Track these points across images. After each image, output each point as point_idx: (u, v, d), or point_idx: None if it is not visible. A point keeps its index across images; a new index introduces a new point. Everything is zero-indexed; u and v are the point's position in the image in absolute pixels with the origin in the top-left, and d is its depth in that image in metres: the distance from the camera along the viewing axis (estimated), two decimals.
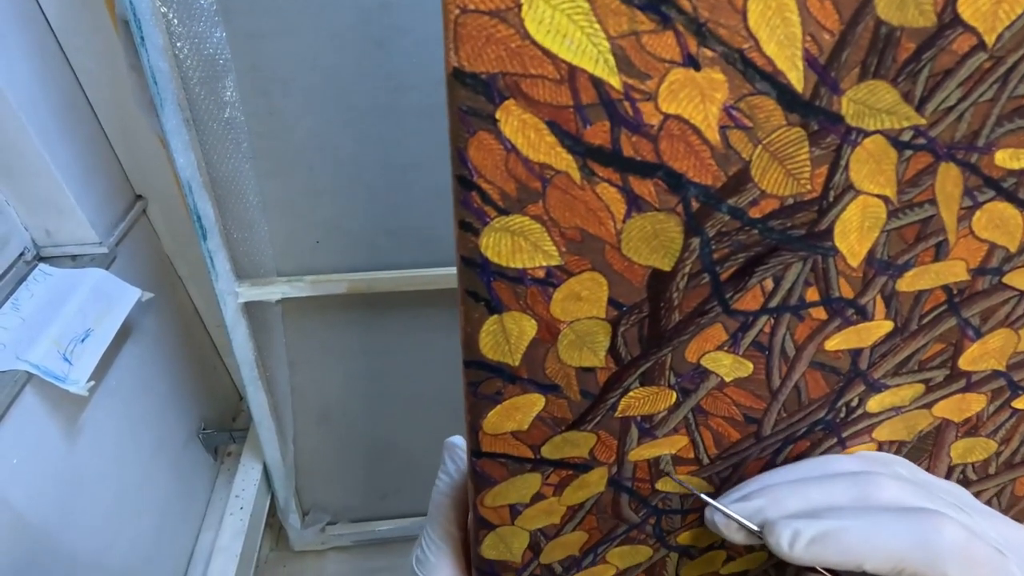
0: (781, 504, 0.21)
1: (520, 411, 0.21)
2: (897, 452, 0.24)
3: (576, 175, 0.17)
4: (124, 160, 0.78)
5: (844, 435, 0.23)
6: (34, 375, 0.61)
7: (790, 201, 0.18)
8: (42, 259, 0.73)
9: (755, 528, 0.21)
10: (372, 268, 0.75)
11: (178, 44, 0.61)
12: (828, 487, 0.21)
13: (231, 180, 0.69)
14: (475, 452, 0.22)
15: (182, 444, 0.88)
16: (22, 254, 0.70)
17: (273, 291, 0.74)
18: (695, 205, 0.18)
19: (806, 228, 0.18)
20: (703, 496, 0.22)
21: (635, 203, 0.17)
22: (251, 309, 0.76)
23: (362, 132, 0.68)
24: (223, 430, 0.93)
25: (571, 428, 0.22)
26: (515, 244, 0.18)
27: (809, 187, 0.18)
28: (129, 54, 0.68)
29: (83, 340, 0.70)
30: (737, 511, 0.21)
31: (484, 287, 0.18)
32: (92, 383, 0.66)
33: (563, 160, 0.16)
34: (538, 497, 0.23)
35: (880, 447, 0.24)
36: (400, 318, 0.80)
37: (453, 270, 0.81)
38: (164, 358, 0.84)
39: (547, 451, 0.22)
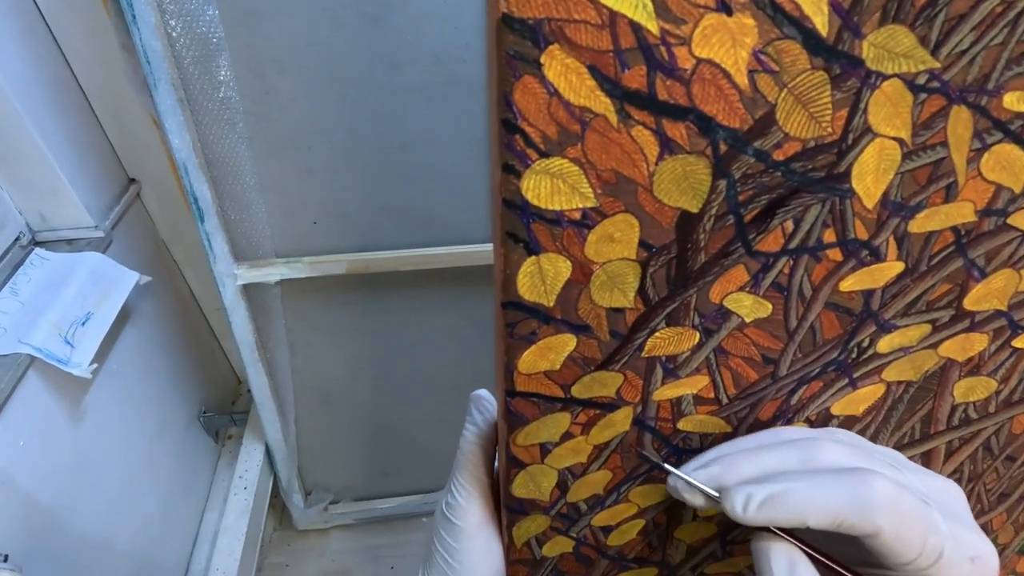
0: (736, 470, 0.23)
1: (553, 351, 0.22)
2: (904, 392, 0.26)
3: (613, 118, 0.18)
4: (116, 144, 0.78)
5: (855, 375, 0.25)
6: (37, 358, 0.61)
7: (811, 144, 0.19)
8: (38, 244, 0.72)
9: (714, 493, 0.22)
10: (370, 248, 0.76)
11: (171, 22, 0.60)
12: (778, 453, 0.23)
13: (227, 161, 0.69)
14: (509, 392, 0.23)
15: (183, 427, 0.88)
16: (17, 239, 0.70)
17: (272, 273, 0.74)
18: (723, 148, 0.19)
19: (825, 170, 0.19)
20: (665, 466, 0.24)
21: (667, 146, 0.18)
22: (250, 291, 0.76)
23: (358, 111, 0.67)
24: (223, 413, 0.93)
25: (600, 368, 0.23)
26: (554, 186, 0.18)
27: (830, 130, 0.19)
28: (120, 34, 0.67)
29: (84, 323, 0.70)
30: (697, 478, 0.23)
31: (524, 229, 0.19)
32: (95, 366, 0.66)
33: (602, 103, 0.17)
34: (567, 436, 0.24)
35: (888, 388, 0.25)
36: (399, 298, 0.81)
37: (451, 249, 0.81)
38: (163, 342, 0.84)
39: (577, 390, 0.23)
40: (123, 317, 0.76)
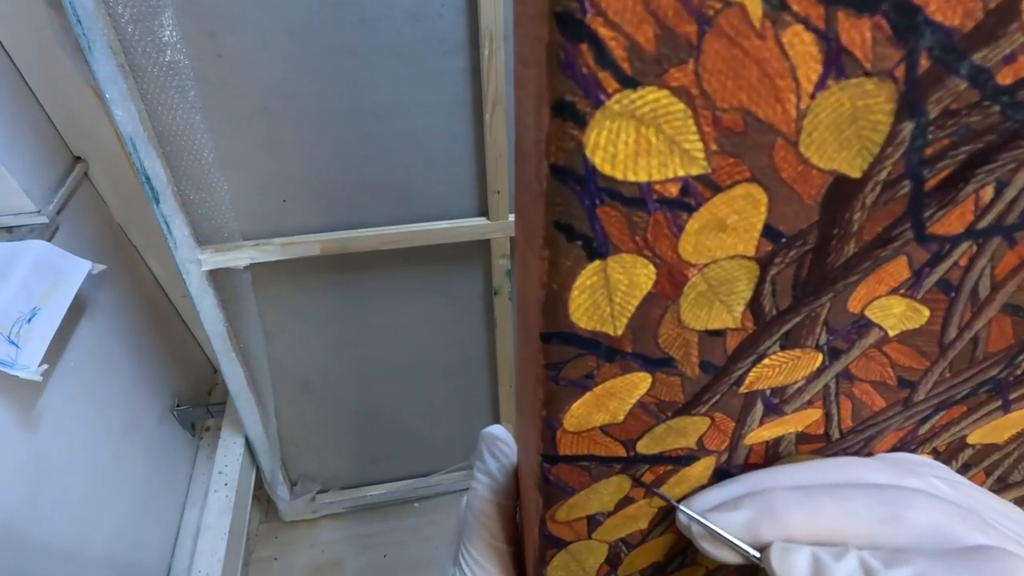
0: (780, 520, 0.14)
1: (616, 398, 0.14)
2: None
3: (757, 9, 0.09)
4: (56, 118, 0.66)
5: (1011, 396, 0.17)
6: None
7: None
8: None
9: (753, 553, 0.14)
10: (346, 227, 0.66)
11: None
12: (845, 501, 0.14)
13: (180, 134, 0.58)
14: (548, 457, 0.15)
15: (156, 422, 0.79)
16: None
17: (240, 257, 0.65)
18: (924, 64, 0.10)
19: None
20: (678, 506, 0.16)
21: (837, 61, 0.10)
22: (217, 277, 0.66)
23: (325, 75, 0.57)
24: (199, 405, 0.84)
25: (679, 413, 0.15)
26: (641, 140, 0.10)
27: None
28: None
29: (30, 320, 0.60)
30: (721, 524, 0.15)
31: (585, 216, 0.11)
32: (45, 367, 0.57)
33: None
34: (625, 502, 0.17)
35: None
36: (379, 279, 0.72)
37: (433, 226, 0.70)
38: (126, 334, 0.74)
39: (644, 446, 0.15)
40: (76, 310, 0.66)
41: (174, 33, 0.53)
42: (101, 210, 0.72)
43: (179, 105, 0.57)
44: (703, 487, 0.17)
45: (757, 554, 0.14)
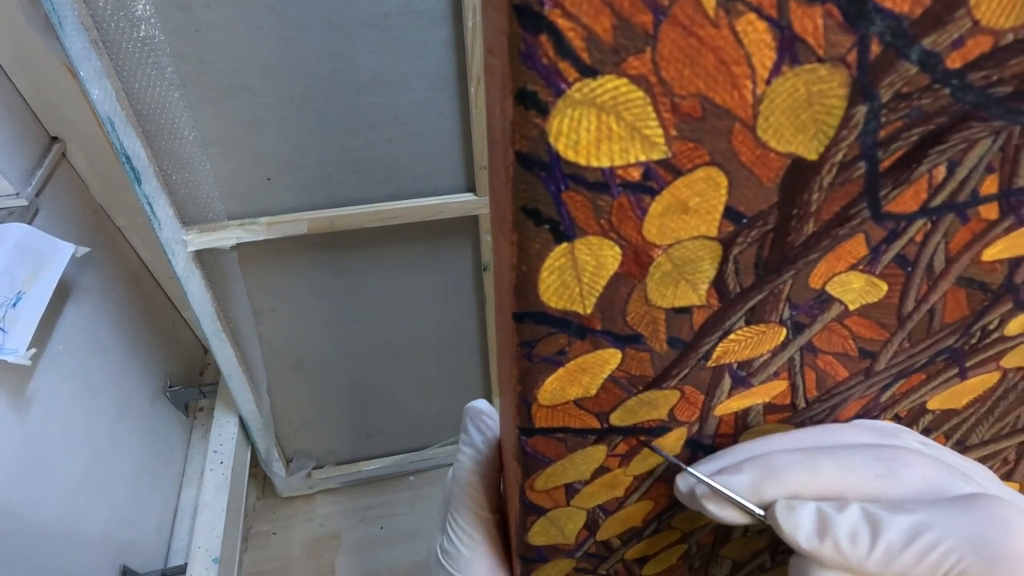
0: (781, 479, 0.15)
1: (588, 373, 0.14)
2: (1021, 379, 0.19)
3: (710, 0, 0.10)
4: (29, 96, 0.65)
5: (968, 364, 0.18)
6: None
7: (1008, 38, 0.11)
8: None
9: (758, 511, 0.15)
10: (332, 205, 0.66)
11: None
12: (842, 459, 0.15)
13: (159, 112, 0.57)
14: (525, 429, 0.15)
15: (149, 403, 0.79)
16: None
17: (226, 236, 0.65)
18: (875, 50, 0.11)
19: (1015, 83, 0.12)
20: (688, 469, 0.16)
21: (790, 48, 0.10)
22: (204, 258, 0.66)
23: (305, 49, 0.56)
24: (191, 386, 0.84)
25: (650, 387, 0.15)
26: (602, 127, 0.10)
27: None
28: None
29: (15, 304, 0.60)
30: (725, 484, 0.15)
31: (551, 201, 0.11)
32: (33, 351, 0.57)
33: None
34: (601, 471, 0.17)
35: (1004, 375, 0.19)
36: (367, 256, 0.72)
37: (420, 202, 0.70)
38: (114, 316, 0.74)
39: (618, 418, 0.16)
40: (62, 293, 0.66)
41: (148, 7, 0.52)
42: (82, 191, 0.72)
43: (157, 82, 0.56)
44: (676, 456, 0.18)
45: (762, 512, 0.15)
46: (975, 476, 0.16)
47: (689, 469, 0.16)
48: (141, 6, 0.52)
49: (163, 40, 0.53)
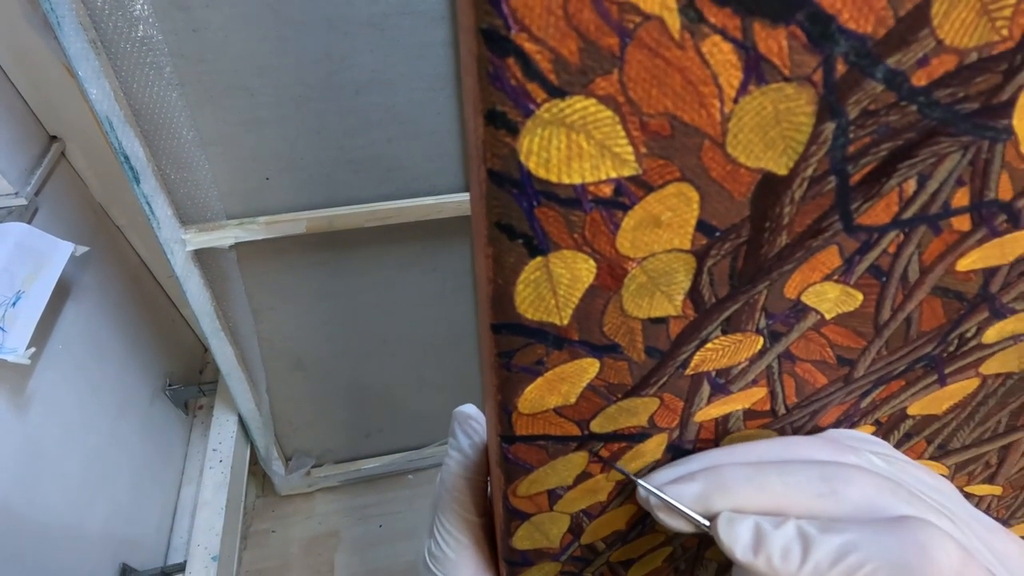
0: (730, 491, 0.16)
1: (567, 382, 0.15)
2: (1000, 385, 0.20)
3: (674, 22, 0.10)
4: (29, 97, 0.65)
5: (947, 371, 0.18)
6: None
7: (972, 57, 0.11)
8: None
9: (703, 521, 0.16)
10: (331, 204, 0.66)
11: None
12: (789, 476, 0.16)
13: (158, 112, 0.58)
14: (506, 437, 0.16)
15: (148, 401, 0.80)
16: None
17: (224, 236, 0.65)
18: (841, 69, 0.11)
19: (982, 100, 0.12)
20: (637, 480, 0.17)
21: (756, 69, 0.11)
22: (202, 257, 0.67)
23: (303, 49, 0.57)
24: (191, 384, 0.85)
25: (629, 395, 0.16)
26: (572, 145, 0.11)
27: (1005, 33, 0.11)
28: None
29: (14, 304, 0.60)
30: (674, 495, 0.16)
31: (524, 217, 0.11)
32: (32, 350, 0.58)
33: None
34: (583, 477, 0.18)
35: (984, 382, 0.19)
36: (366, 256, 0.72)
37: (419, 202, 0.70)
38: (113, 315, 0.75)
39: (598, 425, 0.16)
40: (62, 292, 0.67)
41: (146, 7, 0.52)
42: (81, 191, 0.72)
43: (155, 82, 0.56)
44: (657, 461, 0.18)
45: (707, 523, 0.16)
46: (926, 493, 0.17)
47: (639, 481, 0.17)
48: (139, 6, 0.52)
49: (161, 40, 0.54)
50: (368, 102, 0.60)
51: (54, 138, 0.68)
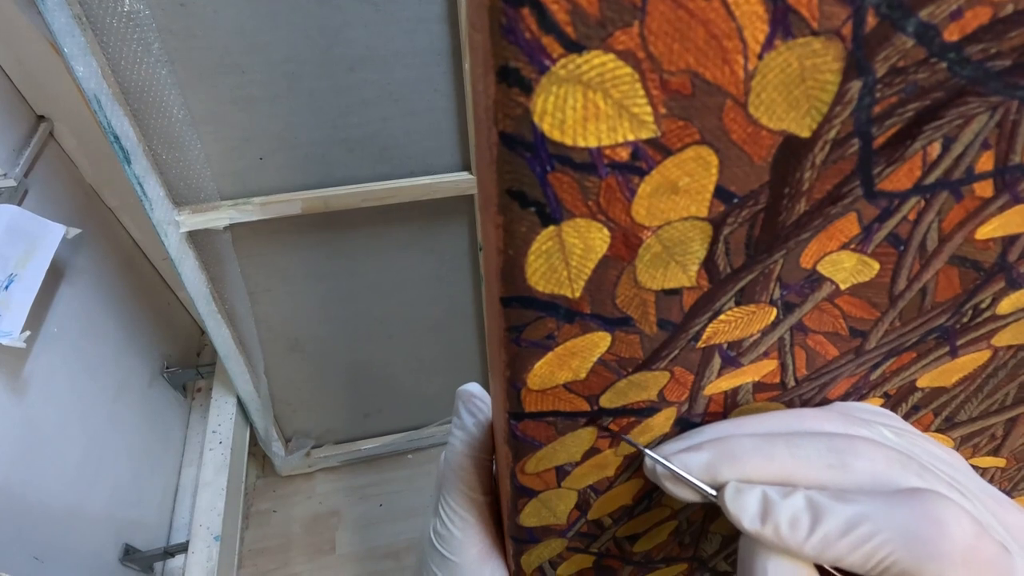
0: (738, 462, 0.15)
1: (578, 357, 0.14)
2: (1011, 358, 0.19)
3: None
4: (14, 75, 0.63)
5: (959, 342, 0.18)
6: None
7: (1008, 9, 0.11)
8: None
9: (710, 491, 0.15)
10: (326, 184, 0.65)
11: None
12: (797, 447, 0.16)
13: (147, 90, 0.56)
14: (515, 414, 0.15)
15: (146, 384, 0.79)
16: None
17: (219, 217, 0.64)
18: (871, 22, 0.10)
19: (1014, 56, 0.11)
20: (645, 451, 0.17)
21: (783, 21, 0.10)
22: (197, 238, 0.66)
23: (294, 24, 0.55)
24: (188, 367, 0.85)
25: (640, 369, 0.15)
26: (589, 105, 0.10)
27: None
28: None
29: (7, 287, 0.59)
30: (682, 464, 0.16)
31: (537, 182, 0.11)
32: (28, 333, 0.57)
33: None
34: (591, 452, 0.17)
35: (995, 354, 0.19)
36: (362, 236, 0.71)
37: (415, 181, 0.69)
38: (108, 298, 0.74)
39: (607, 399, 0.16)
40: (55, 275, 0.66)
41: None
42: (71, 172, 0.71)
43: (143, 59, 0.55)
44: (666, 435, 0.18)
45: (714, 492, 0.15)
46: (936, 466, 0.16)
47: (646, 450, 0.16)
48: None
49: (148, 15, 0.52)
50: (362, 79, 0.59)
51: (41, 117, 0.66)
